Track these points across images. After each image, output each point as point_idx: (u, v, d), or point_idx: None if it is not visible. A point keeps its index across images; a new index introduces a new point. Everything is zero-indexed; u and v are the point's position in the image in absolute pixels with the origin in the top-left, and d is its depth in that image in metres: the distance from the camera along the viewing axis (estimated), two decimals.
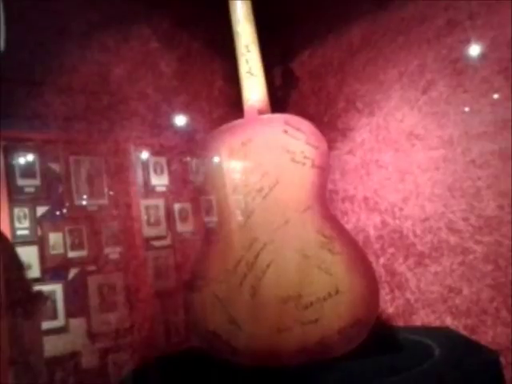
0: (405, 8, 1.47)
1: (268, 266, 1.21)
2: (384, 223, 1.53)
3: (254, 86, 1.35)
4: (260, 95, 1.34)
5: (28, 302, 1.26)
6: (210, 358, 1.27)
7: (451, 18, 1.37)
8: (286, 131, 1.24)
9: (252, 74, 1.36)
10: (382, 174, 1.54)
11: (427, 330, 1.33)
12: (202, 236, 1.68)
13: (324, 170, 1.22)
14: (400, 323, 1.49)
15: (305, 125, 1.24)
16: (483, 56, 1.31)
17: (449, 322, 1.37)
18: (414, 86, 1.45)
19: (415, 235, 1.45)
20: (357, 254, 1.17)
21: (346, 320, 1.13)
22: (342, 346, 1.13)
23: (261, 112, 1.32)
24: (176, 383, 1.22)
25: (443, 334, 1.27)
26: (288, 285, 1.19)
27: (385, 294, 1.52)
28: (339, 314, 1.14)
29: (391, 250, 1.52)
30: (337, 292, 1.14)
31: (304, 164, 1.22)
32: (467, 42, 1.34)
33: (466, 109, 1.34)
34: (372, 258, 1.56)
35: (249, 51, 1.37)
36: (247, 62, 1.37)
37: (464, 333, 1.32)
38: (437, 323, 1.40)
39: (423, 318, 1.43)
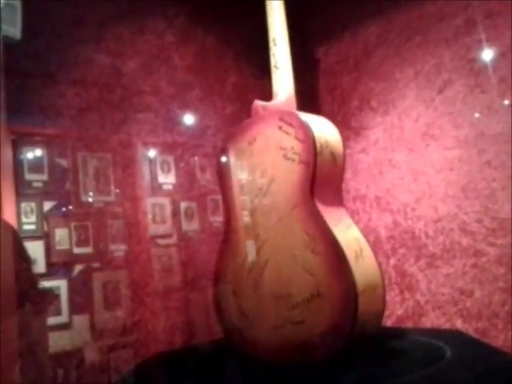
0: (423, 6, 1.46)
1: (266, 262, 1.22)
2: (396, 223, 1.52)
3: (279, 79, 1.35)
4: (285, 89, 1.34)
5: (38, 299, 1.25)
6: (212, 355, 1.29)
7: (470, 18, 1.36)
8: (280, 127, 1.23)
9: (278, 68, 1.35)
10: (395, 174, 1.53)
11: (437, 332, 1.32)
12: (210, 234, 1.68)
13: (309, 166, 1.17)
14: (409, 325, 1.47)
15: (296, 119, 1.21)
16: (501, 56, 1.30)
17: (459, 324, 1.36)
18: (430, 85, 1.44)
19: (427, 236, 1.44)
20: (336, 255, 1.11)
21: (325, 324, 1.10)
22: (323, 351, 1.10)
23: (284, 107, 1.31)
24: (176, 380, 1.22)
25: (454, 336, 1.26)
26: (280, 283, 1.19)
27: (394, 296, 1.51)
28: (320, 317, 1.11)
29: (402, 251, 1.50)
30: (318, 294, 1.11)
31: (293, 160, 1.20)
32: (485, 41, 1.32)
33: (483, 109, 1.32)
34: (382, 259, 1.55)
35: (275, 45, 1.37)
36: (274, 55, 1.37)
37: (474, 336, 1.30)
38: (447, 326, 1.38)
39: (433, 320, 1.42)
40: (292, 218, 1.19)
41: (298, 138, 1.19)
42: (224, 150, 1.36)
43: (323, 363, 1.08)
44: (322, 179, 1.18)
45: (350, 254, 1.10)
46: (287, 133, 1.21)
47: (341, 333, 1.08)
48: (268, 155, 1.25)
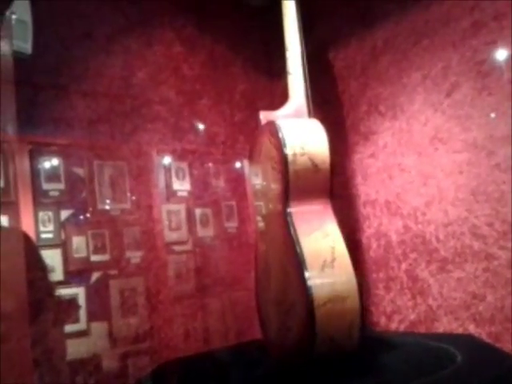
0: (429, 10, 1.45)
1: (271, 268, 1.26)
2: (406, 228, 1.51)
3: (291, 84, 1.36)
4: (297, 94, 1.35)
5: (54, 307, 1.27)
6: (227, 361, 1.30)
7: (477, 20, 1.35)
8: (269, 138, 1.26)
9: (290, 73, 1.37)
10: (405, 178, 1.52)
11: (449, 337, 1.31)
12: (225, 240, 1.70)
13: (283, 175, 1.18)
14: (422, 330, 1.46)
15: (275, 129, 1.22)
16: (509, 57, 1.28)
17: (472, 329, 1.34)
18: (437, 88, 1.43)
19: (438, 240, 1.43)
20: (298, 264, 1.11)
21: (297, 331, 1.12)
22: (299, 357, 1.12)
23: (290, 113, 1.33)
24: None
25: (466, 340, 1.25)
26: (278, 289, 1.23)
27: (406, 300, 1.50)
28: (296, 324, 1.13)
29: (413, 256, 1.49)
30: (293, 304, 1.13)
31: (275, 169, 1.23)
32: (493, 43, 1.31)
33: (491, 112, 1.31)
34: (394, 264, 1.54)
35: (287, 50, 1.39)
36: (287, 60, 1.39)
37: (487, 341, 1.29)
38: (459, 330, 1.37)
39: (445, 324, 1.40)
40: (277, 226, 1.22)
41: (276, 148, 1.21)
42: (249, 162, 1.44)
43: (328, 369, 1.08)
44: (300, 187, 1.18)
45: (313, 264, 1.10)
46: (272, 143, 1.24)
47: (306, 341, 1.08)
48: (267, 166, 1.29)
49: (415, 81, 1.49)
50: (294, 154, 1.17)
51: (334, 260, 1.12)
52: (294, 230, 1.13)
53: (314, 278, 1.08)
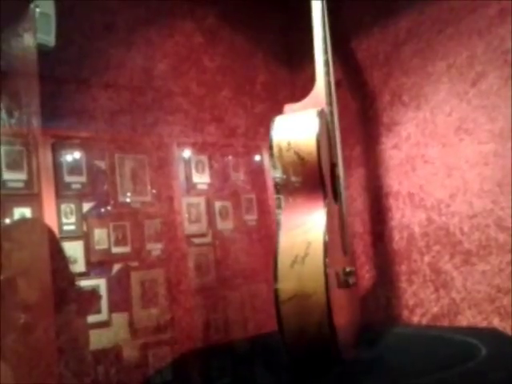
0: None
1: None
2: (430, 220, 1.49)
3: (316, 70, 1.35)
4: (319, 82, 1.34)
5: (76, 298, 1.29)
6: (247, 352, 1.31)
7: (504, 7, 1.31)
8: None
9: (315, 61, 1.37)
10: (428, 170, 1.50)
11: (473, 331, 1.29)
12: (245, 232, 1.70)
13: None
14: (445, 323, 1.44)
15: (270, 125, 1.22)
16: None
17: (496, 323, 1.32)
18: (463, 78, 1.40)
19: (462, 233, 1.41)
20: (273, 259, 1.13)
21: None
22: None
23: (308, 104, 1.32)
24: (211, 375, 1.24)
25: (490, 334, 1.23)
26: None
27: (429, 293, 1.48)
28: None
29: (437, 248, 1.47)
30: None
31: None
32: None
33: None
34: (416, 256, 1.52)
35: (313, 36, 1.38)
36: (312, 46, 1.38)
37: None
38: (484, 324, 1.35)
39: (469, 318, 1.38)
40: None
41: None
42: None
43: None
44: (289, 182, 1.18)
45: (284, 259, 1.09)
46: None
47: (281, 337, 1.08)
48: None
49: (440, 70, 1.46)
50: (280, 150, 1.17)
51: (306, 256, 1.09)
52: (279, 225, 1.15)
53: (282, 273, 1.08)
